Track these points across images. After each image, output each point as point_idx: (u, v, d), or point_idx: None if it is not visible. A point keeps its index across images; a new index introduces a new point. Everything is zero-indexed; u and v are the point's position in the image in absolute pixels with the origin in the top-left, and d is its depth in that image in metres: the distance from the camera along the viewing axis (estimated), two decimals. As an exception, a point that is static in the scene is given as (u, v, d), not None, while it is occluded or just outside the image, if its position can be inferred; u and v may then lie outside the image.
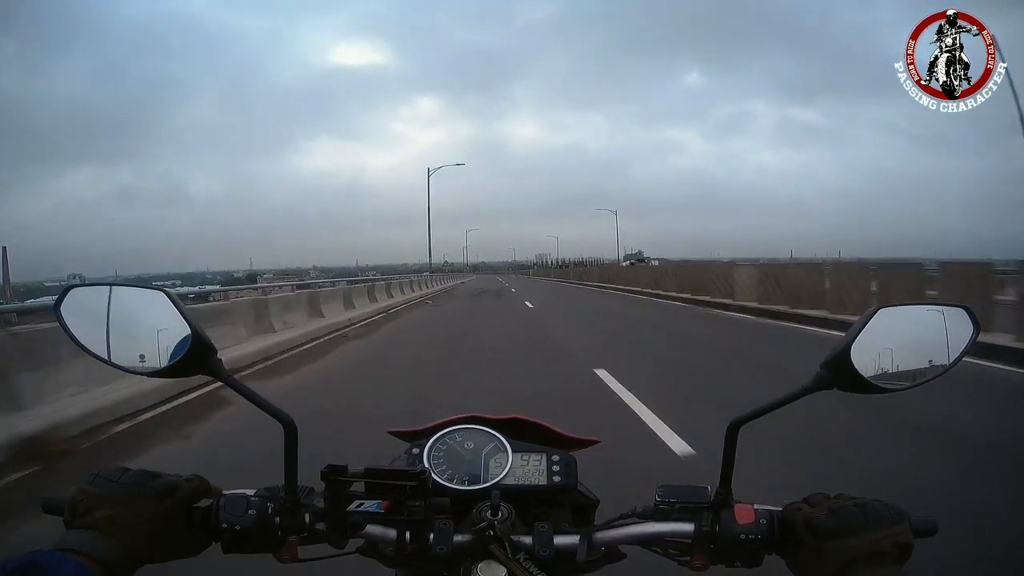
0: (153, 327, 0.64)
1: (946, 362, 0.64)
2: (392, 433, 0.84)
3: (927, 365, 0.64)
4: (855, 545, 0.57)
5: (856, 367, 0.62)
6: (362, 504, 0.61)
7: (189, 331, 0.63)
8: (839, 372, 0.63)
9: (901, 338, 0.64)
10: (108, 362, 0.65)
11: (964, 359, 0.65)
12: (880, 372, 0.63)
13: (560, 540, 0.66)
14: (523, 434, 0.80)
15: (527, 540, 0.65)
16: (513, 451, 0.76)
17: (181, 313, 0.63)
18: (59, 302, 0.66)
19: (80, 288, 0.68)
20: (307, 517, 0.63)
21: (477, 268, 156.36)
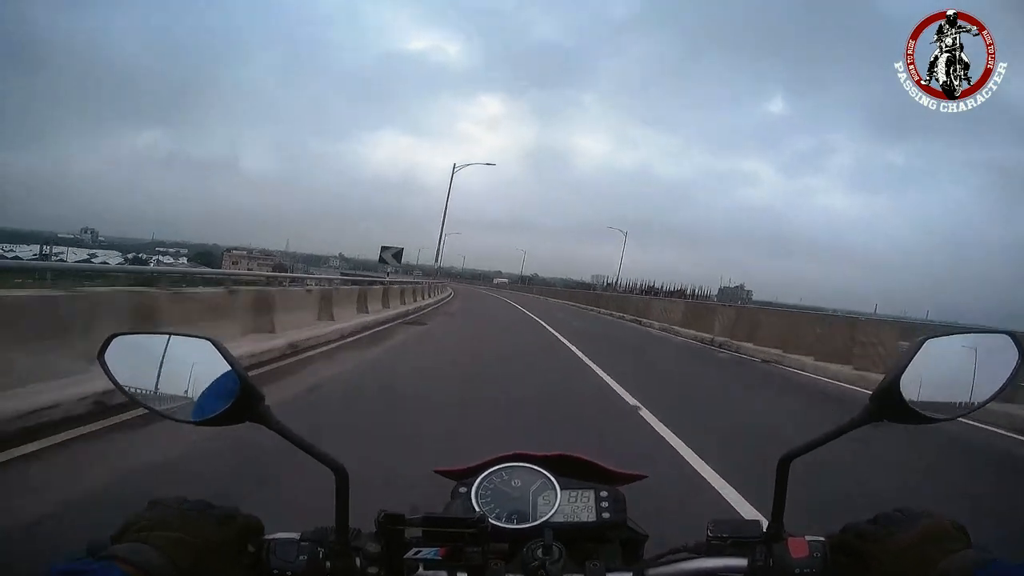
0: (199, 374, 0.64)
1: (993, 390, 0.64)
2: (438, 472, 0.83)
3: (974, 393, 0.64)
4: (915, 536, 0.57)
5: (905, 398, 0.62)
6: (419, 551, 0.61)
7: (237, 378, 0.63)
8: (888, 404, 0.63)
9: (948, 367, 0.64)
10: (154, 410, 0.65)
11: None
12: (928, 402, 0.63)
13: None
14: (569, 470, 0.79)
15: None
16: (561, 488, 0.75)
17: (228, 361, 0.63)
18: (103, 350, 0.66)
19: (124, 336, 0.68)
20: (358, 561, 0.63)
21: (529, 280, 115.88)
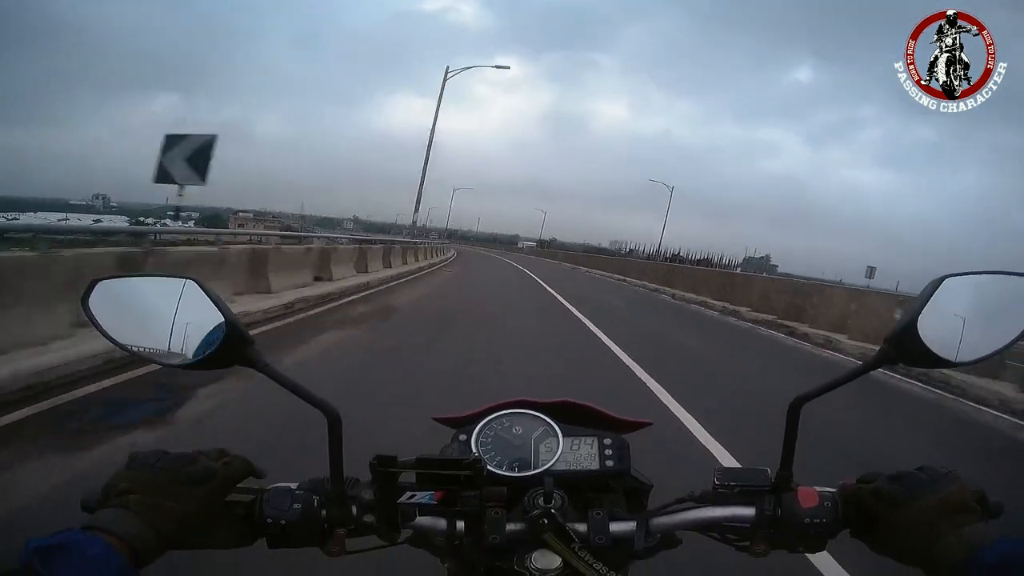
0: (185, 317, 0.62)
1: (1015, 334, 0.61)
2: (437, 419, 0.81)
3: (996, 336, 0.61)
4: (933, 504, 0.55)
5: (924, 340, 0.59)
6: (414, 496, 0.59)
7: (224, 321, 0.61)
8: (905, 346, 0.60)
9: (968, 308, 0.61)
10: (141, 356, 0.63)
11: None
12: (948, 344, 0.60)
13: (616, 527, 0.64)
14: (573, 418, 0.77)
15: (581, 527, 0.63)
16: (564, 435, 0.73)
17: (213, 302, 0.61)
18: (86, 296, 0.63)
19: (107, 280, 0.65)
20: (354, 509, 0.61)
21: (548, 244, 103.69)
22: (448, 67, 23.97)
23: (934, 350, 0.59)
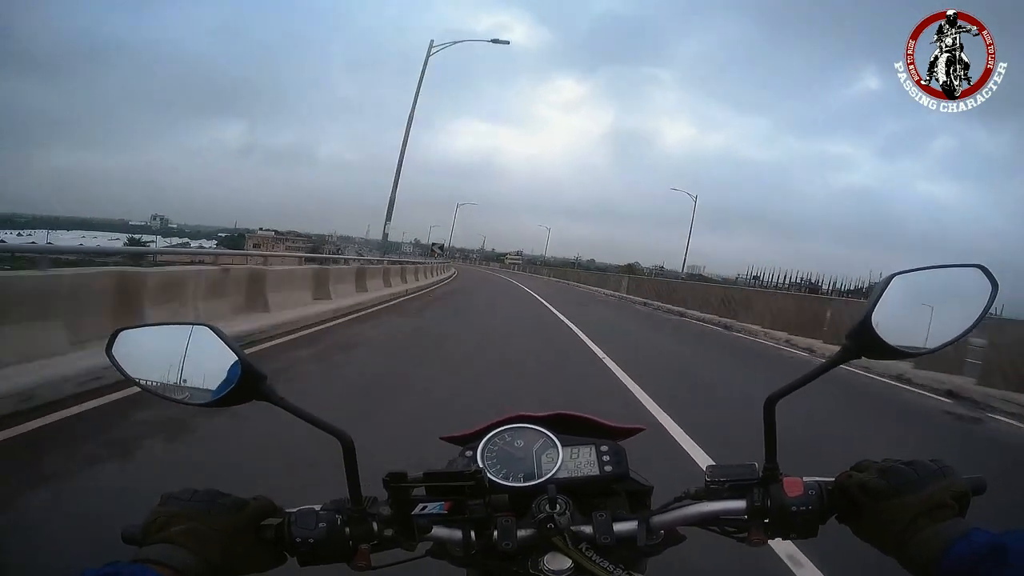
0: (202, 360, 0.67)
1: (970, 322, 0.65)
2: (444, 439, 0.86)
3: (949, 326, 0.65)
4: (914, 501, 0.58)
5: (879, 334, 0.63)
6: (425, 507, 0.64)
7: (238, 361, 0.65)
8: (863, 341, 0.64)
9: (920, 302, 0.65)
10: (164, 396, 0.68)
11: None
12: (903, 337, 0.64)
13: (619, 527, 0.68)
14: (569, 428, 0.81)
15: (587, 529, 0.67)
16: (562, 445, 0.77)
17: (227, 344, 0.66)
18: (110, 344, 0.69)
19: (128, 330, 0.71)
20: (375, 525, 0.66)
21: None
22: (432, 41, 20.95)
23: (889, 343, 0.64)
